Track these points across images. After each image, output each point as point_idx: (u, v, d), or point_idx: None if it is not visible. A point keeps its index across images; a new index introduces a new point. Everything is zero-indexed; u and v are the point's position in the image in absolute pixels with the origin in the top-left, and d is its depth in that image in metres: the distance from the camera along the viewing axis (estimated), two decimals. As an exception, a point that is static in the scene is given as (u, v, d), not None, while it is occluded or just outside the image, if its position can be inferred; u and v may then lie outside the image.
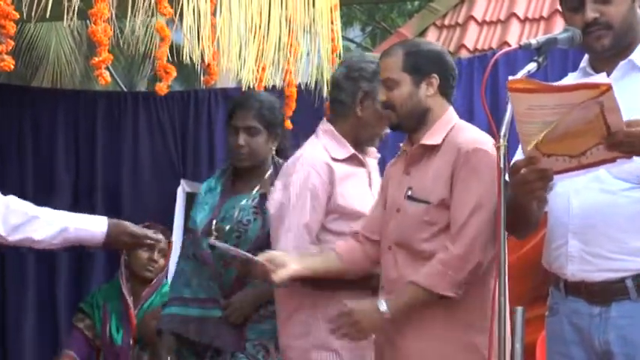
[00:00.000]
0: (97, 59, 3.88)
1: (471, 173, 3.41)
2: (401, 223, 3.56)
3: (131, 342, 4.99)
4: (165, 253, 5.28)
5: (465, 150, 3.44)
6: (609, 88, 2.52)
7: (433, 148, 3.54)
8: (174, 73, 4.28)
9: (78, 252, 6.21)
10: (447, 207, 3.45)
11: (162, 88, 4.32)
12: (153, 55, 4.68)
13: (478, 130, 3.59)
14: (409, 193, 3.54)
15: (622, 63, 3.03)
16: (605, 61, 3.05)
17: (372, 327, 3.51)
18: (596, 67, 3.08)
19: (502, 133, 2.73)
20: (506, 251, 2.75)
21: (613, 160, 2.69)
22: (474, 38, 9.26)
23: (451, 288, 3.36)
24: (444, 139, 3.53)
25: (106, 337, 5.13)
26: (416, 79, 3.57)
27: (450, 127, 3.56)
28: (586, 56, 3.16)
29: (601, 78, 2.63)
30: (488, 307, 3.32)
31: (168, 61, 4.34)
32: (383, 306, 3.42)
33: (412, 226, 3.52)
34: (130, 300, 5.15)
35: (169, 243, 5.38)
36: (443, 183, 3.46)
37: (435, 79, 3.57)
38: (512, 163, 2.80)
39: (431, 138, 3.55)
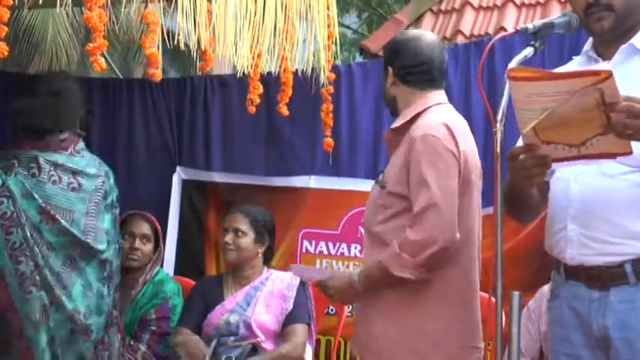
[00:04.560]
0: (92, 45, 3.86)
1: (420, 159, 3.51)
2: (367, 205, 3.77)
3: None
4: (150, 240, 5.28)
5: (413, 137, 3.56)
6: (610, 75, 2.51)
7: (398, 134, 3.68)
8: (159, 59, 4.27)
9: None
10: (399, 196, 3.57)
11: (156, 74, 4.30)
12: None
13: (441, 115, 3.66)
14: (379, 177, 3.72)
15: (623, 47, 3.02)
16: (607, 45, 3.05)
17: (347, 299, 3.87)
18: (599, 51, 3.08)
19: (499, 118, 2.73)
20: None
21: (613, 155, 2.68)
22: (470, 24, 9.27)
23: (404, 270, 3.47)
24: (405, 124, 3.66)
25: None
26: (385, 72, 3.81)
27: (418, 112, 3.67)
28: (590, 40, 3.16)
29: (602, 66, 2.62)
30: (447, 293, 3.54)
31: (165, 48, 4.34)
32: (355, 276, 3.62)
33: (370, 208, 3.71)
34: None
35: (157, 230, 5.37)
36: (397, 171, 3.60)
37: (389, 71, 3.77)
38: (510, 149, 2.80)
39: (395, 122, 3.74)
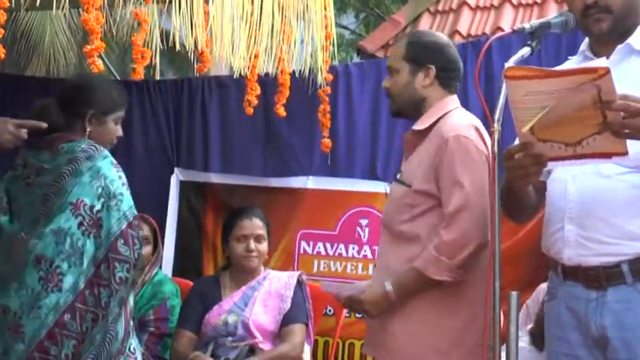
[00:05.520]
0: (89, 47, 3.87)
1: (453, 159, 3.50)
2: (388, 204, 3.73)
3: None
4: (149, 241, 5.28)
5: (445, 137, 3.54)
6: (607, 71, 2.51)
7: (422, 134, 3.66)
8: (149, 58, 4.28)
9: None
10: (427, 194, 3.55)
11: (139, 72, 4.33)
12: (146, 42, 4.67)
13: (467, 117, 3.68)
14: (398, 176, 3.70)
15: (619, 47, 3.02)
16: (604, 45, 3.05)
17: (381, 311, 3.60)
18: (596, 51, 3.08)
19: (496, 118, 2.74)
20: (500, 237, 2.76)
21: (609, 155, 2.67)
22: (467, 24, 9.27)
23: (443, 273, 3.46)
24: (431, 125, 3.64)
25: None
26: (414, 68, 3.71)
27: (442, 114, 3.66)
28: (586, 39, 3.16)
29: (600, 62, 2.62)
30: (469, 292, 3.53)
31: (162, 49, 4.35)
32: (389, 286, 3.54)
33: (394, 207, 3.66)
34: None
35: (155, 231, 5.37)
36: (424, 170, 3.58)
37: (432, 70, 3.69)
38: (506, 148, 2.80)
39: (420, 124, 3.68)
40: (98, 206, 3.99)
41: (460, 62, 3.78)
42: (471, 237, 3.44)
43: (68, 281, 3.93)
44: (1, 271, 4.02)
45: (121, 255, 3.99)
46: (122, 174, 4.10)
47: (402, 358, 3.61)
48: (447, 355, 3.54)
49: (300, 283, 4.99)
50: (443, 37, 3.87)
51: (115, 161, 4.09)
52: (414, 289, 3.53)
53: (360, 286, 3.77)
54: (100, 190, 3.99)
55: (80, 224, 3.96)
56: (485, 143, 3.56)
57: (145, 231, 5.28)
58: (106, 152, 4.10)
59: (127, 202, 4.08)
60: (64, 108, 4.14)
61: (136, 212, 4.09)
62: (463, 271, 3.47)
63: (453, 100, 3.74)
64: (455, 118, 3.64)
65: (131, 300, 4.07)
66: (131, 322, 4.03)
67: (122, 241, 4.00)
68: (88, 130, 4.14)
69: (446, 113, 3.67)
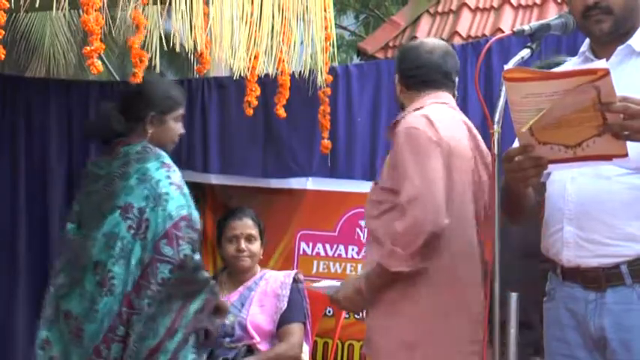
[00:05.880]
0: (88, 48, 3.87)
1: (403, 153, 3.56)
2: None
3: None
4: None
5: (397, 133, 3.63)
6: (607, 73, 2.51)
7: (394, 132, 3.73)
8: (147, 61, 4.29)
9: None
10: (390, 190, 3.62)
11: (139, 76, 4.34)
12: (146, 44, 4.67)
13: (427, 110, 3.68)
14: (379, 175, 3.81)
15: (620, 48, 3.01)
16: (605, 46, 3.04)
17: (358, 307, 3.85)
18: (597, 52, 3.08)
19: (496, 120, 2.74)
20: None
21: (609, 157, 2.67)
22: (467, 25, 9.27)
23: (400, 264, 3.51)
24: (394, 123, 3.73)
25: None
26: (395, 81, 3.91)
27: (410, 111, 3.72)
28: (587, 40, 3.15)
29: (600, 64, 2.62)
30: (436, 281, 3.56)
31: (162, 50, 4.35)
32: (360, 283, 3.64)
33: (368, 204, 3.76)
34: None
35: None
36: (386, 167, 3.68)
37: (396, 78, 3.87)
38: (506, 150, 2.80)
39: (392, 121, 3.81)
40: (145, 208, 4.00)
41: (426, 59, 3.79)
42: (422, 226, 3.46)
43: (119, 285, 3.95)
44: (69, 277, 4.09)
45: (164, 256, 3.95)
46: (173, 174, 4.07)
47: (379, 353, 3.66)
48: (413, 349, 3.55)
49: (296, 282, 5.00)
50: (413, 42, 4.04)
51: (167, 161, 4.08)
52: (380, 283, 3.58)
53: (337, 285, 3.84)
54: (146, 191, 4.00)
55: (129, 227, 3.98)
56: (436, 130, 3.57)
57: None
58: (160, 153, 4.09)
59: (175, 202, 4.02)
60: (124, 113, 4.17)
61: (184, 212, 4.01)
62: (420, 259, 3.49)
63: (424, 98, 3.76)
64: (415, 113, 3.68)
65: (192, 309, 4.03)
66: (192, 335, 4.02)
67: (165, 241, 3.96)
68: (150, 131, 4.15)
69: (415, 110, 3.71)
